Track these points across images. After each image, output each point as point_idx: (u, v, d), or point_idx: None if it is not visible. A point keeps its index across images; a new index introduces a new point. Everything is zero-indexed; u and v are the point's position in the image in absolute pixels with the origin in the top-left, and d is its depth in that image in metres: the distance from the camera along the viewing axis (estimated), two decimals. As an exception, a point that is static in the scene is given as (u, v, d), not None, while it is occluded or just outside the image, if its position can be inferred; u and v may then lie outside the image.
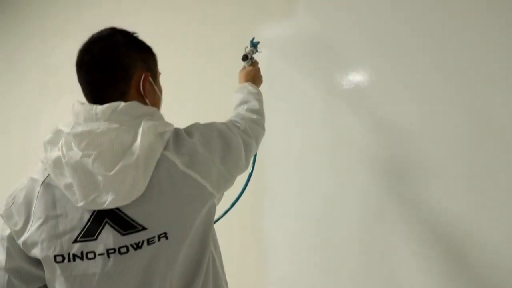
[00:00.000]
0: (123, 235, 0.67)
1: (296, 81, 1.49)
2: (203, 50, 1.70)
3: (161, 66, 0.86)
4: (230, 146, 0.81)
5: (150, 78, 0.77)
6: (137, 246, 0.67)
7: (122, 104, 0.69)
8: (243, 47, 1.28)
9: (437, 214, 1.19)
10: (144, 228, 0.67)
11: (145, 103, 0.76)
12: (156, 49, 0.83)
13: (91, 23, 2.43)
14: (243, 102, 1.04)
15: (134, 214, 0.67)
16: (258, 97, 1.09)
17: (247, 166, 0.90)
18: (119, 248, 0.66)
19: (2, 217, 0.72)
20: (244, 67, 1.26)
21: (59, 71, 2.49)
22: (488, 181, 1.10)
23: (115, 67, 0.73)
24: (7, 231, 0.72)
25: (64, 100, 2.61)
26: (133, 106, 0.71)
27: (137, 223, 0.67)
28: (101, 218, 0.67)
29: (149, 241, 0.67)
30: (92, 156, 0.65)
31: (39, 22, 2.76)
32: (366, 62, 1.34)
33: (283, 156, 1.54)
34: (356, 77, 1.35)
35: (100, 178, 0.65)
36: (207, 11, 1.76)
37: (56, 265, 0.67)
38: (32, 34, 2.78)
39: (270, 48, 1.52)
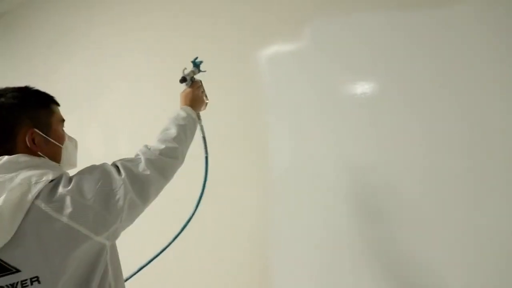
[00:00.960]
0: None
1: (300, 96, 1.53)
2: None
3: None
4: (112, 188, 0.83)
5: (39, 132, 0.85)
6: (12, 287, 0.73)
7: (3, 159, 0.79)
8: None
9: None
10: (17, 271, 0.73)
11: (37, 155, 0.85)
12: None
13: (94, 43, 2.47)
14: (162, 131, 1.07)
15: (7, 258, 0.73)
16: (184, 122, 1.10)
17: (145, 202, 0.90)
18: None
19: None
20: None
21: (65, 89, 2.52)
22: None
23: None
24: None
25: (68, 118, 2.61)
26: (13, 160, 0.79)
27: (9, 265, 0.73)
28: None
29: (23, 284, 0.73)
30: None
31: (44, 41, 2.82)
32: (370, 77, 1.38)
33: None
34: (360, 90, 1.39)
35: None
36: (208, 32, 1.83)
37: None
38: (36, 54, 2.83)
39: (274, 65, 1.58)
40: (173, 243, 1.33)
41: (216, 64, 1.71)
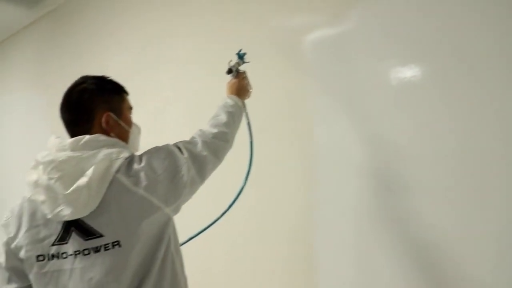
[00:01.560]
0: (85, 240, 0.86)
1: (351, 82, 1.50)
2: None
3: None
4: (177, 165, 0.94)
5: (112, 115, 0.98)
6: (96, 250, 0.86)
7: (86, 137, 0.91)
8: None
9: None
10: (101, 236, 0.86)
11: (110, 135, 0.96)
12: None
13: (141, 37, 2.56)
14: (213, 117, 1.19)
15: (94, 224, 0.86)
16: (232, 109, 1.21)
17: (202, 179, 1.02)
18: (83, 250, 0.86)
19: (2, 227, 0.96)
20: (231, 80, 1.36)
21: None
22: None
23: (80, 110, 0.96)
24: (5, 238, 0.95)
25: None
26: (94, 139, 0.91)
27: (95, 231, 0.86)
28: (69, 227, 0.87)
29: (105, 247, 0.85)
30: (54, 179, 0.85)
31: (96, 34, 2.95)
32: (419, 62, 1.33)
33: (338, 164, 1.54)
34: (408, 74, 1.35)
35: (60, 196, 0.85)
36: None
37: (37, 263, 0.88)
38: (86, 47, 2.97)
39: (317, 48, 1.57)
40: (219, 222, 1.42)
41: (261, 49, 1.74)
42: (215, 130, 1.10)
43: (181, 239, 1.13)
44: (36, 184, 0.88)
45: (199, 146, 1.03)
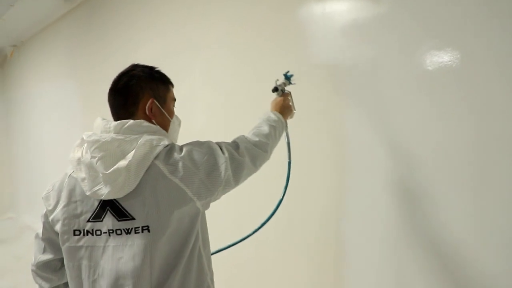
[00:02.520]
0: (119, 220, 0.89)
1: (381, 63, 1.46)
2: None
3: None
4: (216, 162, 0.95)
5: (156, 103, 1.00)
6: (127, 231, 0.88)
7: (130, 122, 0.93)
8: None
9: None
10: (133, 218, 0.88)
11: (152, 122, 0.99)
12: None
13: (170, 24, 2.58)
14: (255, 127, 1.20)
15: (127, 206, 0.89)
16: (275, 124, 1.22)
17: (236, 182, 1.02)
18: (116, 230, 0.89)
19: (42, 199, 1.00)
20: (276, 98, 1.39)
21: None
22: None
23: (127, 94, 0.99)
24: (44, 210, 1.00)
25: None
26: (137, 124, 0.94)
27: (128, 213, 0.88)
28: (105, 206, 0.90)
29: (136, 230, 0.88)
30: (97, 158, 0.88)
31: (127, 20, 3.00)
32: (459, 44, 1.27)
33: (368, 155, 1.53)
34: (447, 58, 1.29)
35: (101, 175, 0.87)
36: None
37: (73, 237, 0.92)
38: (119, 34, 3.03)
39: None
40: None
41: (293, 31, 1.74)
42: (256, 139, 1.11)
43: (213, 248, 1.16)
44: (79, 161, 0.91)
45: (240, 150, 1.04)
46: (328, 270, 1.72)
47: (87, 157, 0.89)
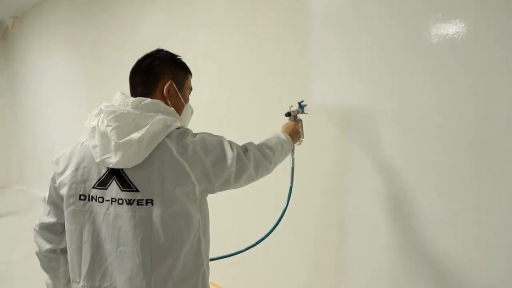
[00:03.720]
0: (122, 190, 0.92)
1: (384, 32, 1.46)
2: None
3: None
4: (224, 156, 0.99)
5: (174, 85, 1.05)
6: (129, 202, 0.91)
7: (148, 100, 0.97)
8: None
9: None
10: (137, 190, 0.91)
11: (167, 104, 1.03)
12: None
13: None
14: (265, 140, 1.24)
15: (132, 178, 0.92)
16: (283, 143, 1.27)
17: (236, 182, 1.04)
18: (118, 199, 0.92)
19: (52, 163, 1.05)
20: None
21: (148, 40, 2.64)
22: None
23: (149, 72, 1.04)
24: (52, 174, 1.05)
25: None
26: (155, 103, 0.98)
27: (133, 184, 0.91)
28: (111, 175, 0.93)
29: (139, 202, 0.90)
30: (112, 127, 0.91)
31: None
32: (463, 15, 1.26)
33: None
34: (452, 30, 1.28)
35: (113, 143, 0.90)
36: None
37: (78, 201, 0.96)
38: (123, 7, 2.98)
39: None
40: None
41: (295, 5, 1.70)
42: (265, 150, 1.16)
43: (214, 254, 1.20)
44: (93, 129, 0.94)
45: (248, 154, 1.08)
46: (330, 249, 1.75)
47: (102, 126, 0.93)
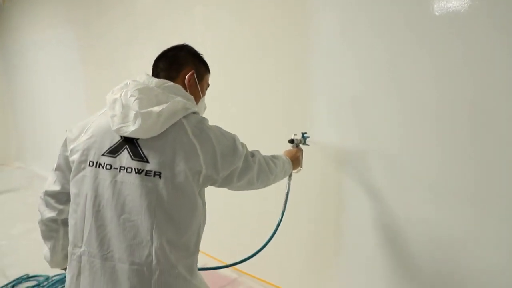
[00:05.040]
0: (132, 160, 0.94)
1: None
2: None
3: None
4: (235, 150, 1.04)
5: (195, 76, 1.12)
6: (138, 171, 0.93)
7: (170, 83, 1.04)
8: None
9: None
10: (147, 161, 0.94)
11: (186, 91, 1.08)
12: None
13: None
14: (270, 155, 1.30)
15: (145, 149, 0.95)
16: (285, 163, 1.37)
17: (238, 181, 1.08)
18: (127, 167, 0.94)
19: (66, 131, 1.08)
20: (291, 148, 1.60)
21: (145, 17, 2.59)
22: None
23: (173, 61, 1.11)
24: (64, 140, 1.09)
25: (148, 43, 2.75)
26: (176, 87, 1.04)
27: (144, 155, 0.94)
28: (123, 145, 0.96)
29: (147, 173, 0.93)
30: (135, 97, 0.96)
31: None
32: None
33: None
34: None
35: (132, 113, 0.94)
36: None
37: (88, 167, 0.98)
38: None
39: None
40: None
41: None
42: (269, 161, 1.23)
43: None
44: (115, 101, 0.98)
45: (254, 158, 1.14)
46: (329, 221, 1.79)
47: (125, 97, 0.97)
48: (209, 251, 2.52)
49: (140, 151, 0.95)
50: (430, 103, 1.35)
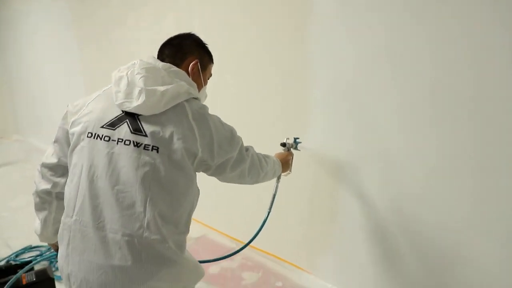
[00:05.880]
0: (132, 133, 0.96)
1: None
2: None
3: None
4: (232, 141, 1.08)
5: (198, 65, 1.14)
6: (137, 144, 0.95)
7: (175, 68, 1.07)
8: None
9: None
10: (146, 135, 0.96)
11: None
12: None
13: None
14: (263, 154, 1.34)
15: (145, 124, 0.97)
16: (275, 163, 1.42)
17: (230, 171, 1.11)
18: (125, 140, 0.96)
19: (68, 105, 1.10)
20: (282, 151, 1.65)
21: None
22: None
23: (179, 48, 1.14)
24: (65, 112, 1.10)
25: (145, 10, 2.67)
26: (181, 72, 1.07)
27: (143, 130, 0.97)
28: (124, 118, 0.99)
29: (145, 146, 0.95)
30: (142, 75, 0.99)
31: None
32: None
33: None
34: None
35: (137, 89, 0.97)
36: None
37: (86, 138, 1.00)
38: None
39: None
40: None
41: None
42: (261, 158, 1.29)
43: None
44: (120, 78, 1.01)
45: (248, 152, 1.19)
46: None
47: (132, 74, 1.00)
48: (207, 221, 2.57)
49: (140, 126, 0.97)
50: (425, 107, 1.34)
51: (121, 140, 0.96)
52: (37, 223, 1.20)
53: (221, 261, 2.18)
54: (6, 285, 1.55)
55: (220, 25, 2.12)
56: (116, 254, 0.92)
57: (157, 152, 0.95)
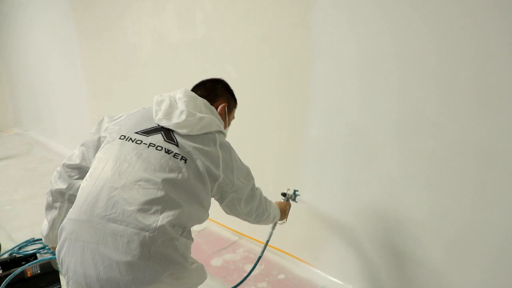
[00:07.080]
0: (164, 141, 1.06)
1: None
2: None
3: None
4: (248, 177, 1.20)
5: (226, 108, 1.29)
6: (167, 151, 1.04)
7: (210, 106, 1.22)
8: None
9: None
10: (177, 146, 1.06)
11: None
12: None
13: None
14: (269, 201, 1.44)
15: (178, 138, 1.08)
16: (276, 209, 1.51)
17: (245, 205, 1.22)
18: (157, 146, 1.05)
19: (106, 116, 1.20)
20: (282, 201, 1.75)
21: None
22: None
23: (211, 91, 1.29)
24: (102, 118, 1.21)
25: (144, 3, 2.64)
26: (213, 110, 1.22)
27: (176, 140, 1.07)
28: (160, 130, 1.09)
29: (175, 155, 1.04)
30: (184, 100, 1.15)
31: None
32: None
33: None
34: None
35: (179, 111, 1.11)
36: None
37: (118, 140, 1.08)
38: None
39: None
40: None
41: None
42: (267, 202, 1.40)
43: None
44: (162, 101, 1.15)
45: (258, 191, 1.30)
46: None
47: (174, 98, 1.15)
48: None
49: (174, 137, 1.07)
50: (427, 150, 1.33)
51: (153, 145, 1.04)
52: (44, 224, 1.22)
53: (224, 253, 2.20)
54: (7, 277, 1.57)
55: (221, 20, 2.10)
56: (124, 247, 0.90)
57: (185, 162, 1.04)
